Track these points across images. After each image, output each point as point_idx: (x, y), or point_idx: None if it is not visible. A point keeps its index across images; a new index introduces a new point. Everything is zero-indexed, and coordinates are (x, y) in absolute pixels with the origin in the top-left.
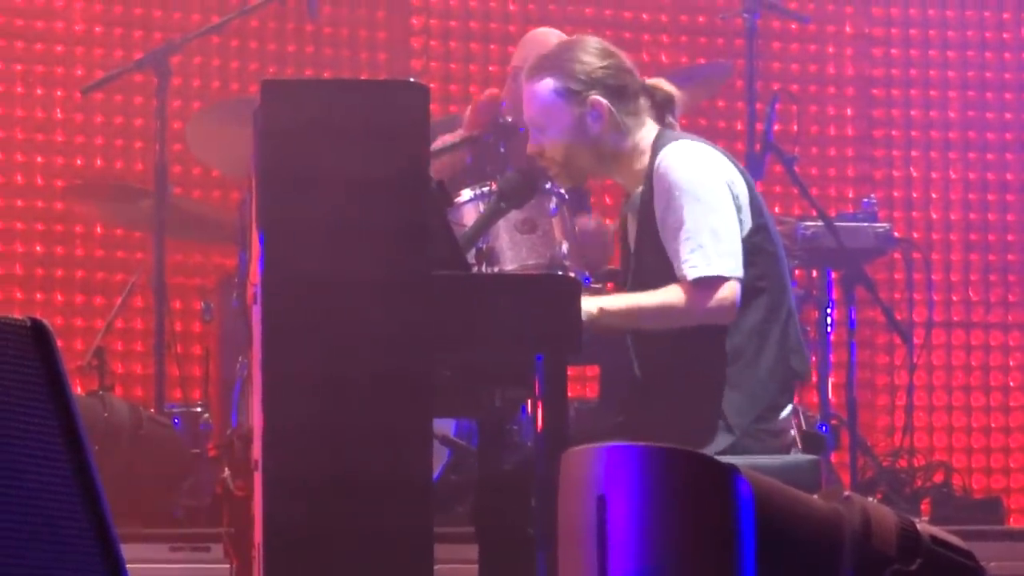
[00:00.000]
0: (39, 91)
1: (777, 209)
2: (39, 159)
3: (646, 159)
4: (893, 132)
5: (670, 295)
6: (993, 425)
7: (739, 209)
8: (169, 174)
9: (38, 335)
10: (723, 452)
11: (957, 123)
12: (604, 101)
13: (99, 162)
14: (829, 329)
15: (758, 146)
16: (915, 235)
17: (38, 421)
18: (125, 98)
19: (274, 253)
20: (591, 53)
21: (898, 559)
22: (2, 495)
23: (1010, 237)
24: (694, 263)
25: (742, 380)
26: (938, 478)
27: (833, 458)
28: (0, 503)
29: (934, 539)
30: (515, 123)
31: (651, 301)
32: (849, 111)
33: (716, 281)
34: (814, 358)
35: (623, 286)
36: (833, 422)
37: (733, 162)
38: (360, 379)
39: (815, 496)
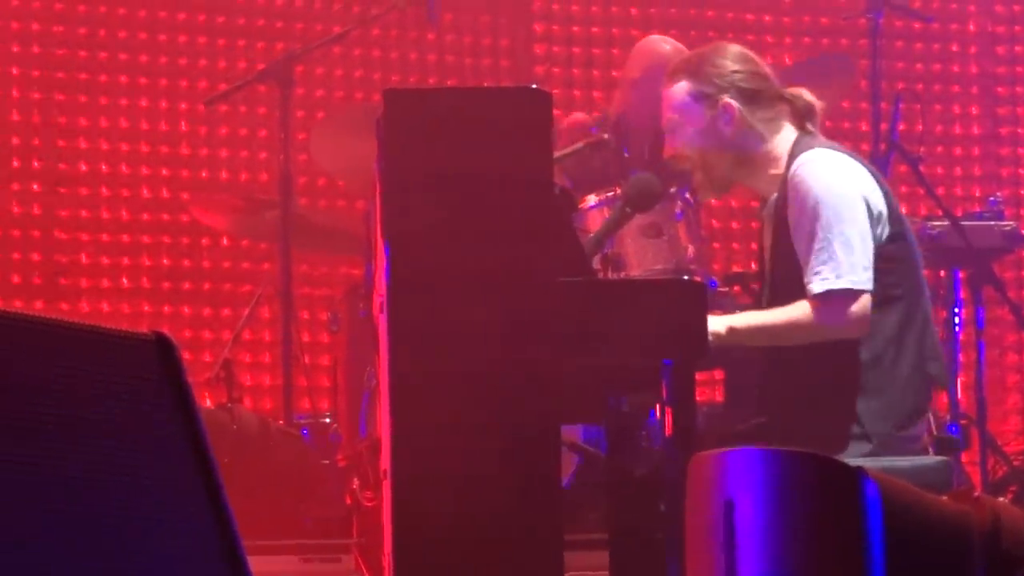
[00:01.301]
0: (163, 104)
1: (903, 209)
2: (164, 172)
3: (782, 164)
4: (1019, 130)
5: (798, 312)
6: None
7: (876, 219)
8: (294, 184)
9: (163, 349)
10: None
11: None
12: (735, 104)
13: (224, 174)
14: (957, 329)
15: (883, 146)
16: None
17: (164, 436)
18: (249, 109)
19: (400, 262)
20: (727, 57)
21: None
22: (128, 511)
23: None
24: (824, 275)
25: (880, 387)
26: None
27: (963, 458)
28: (125, 518)
29: None
30: (609, 139)
31: (779, 319)
32: (974, 109)
33: (845, 294)
34: None
35: (750, 291)
36: (963, 422)
37: (871, 171)
38: (487, 387)
39: (944, 497)
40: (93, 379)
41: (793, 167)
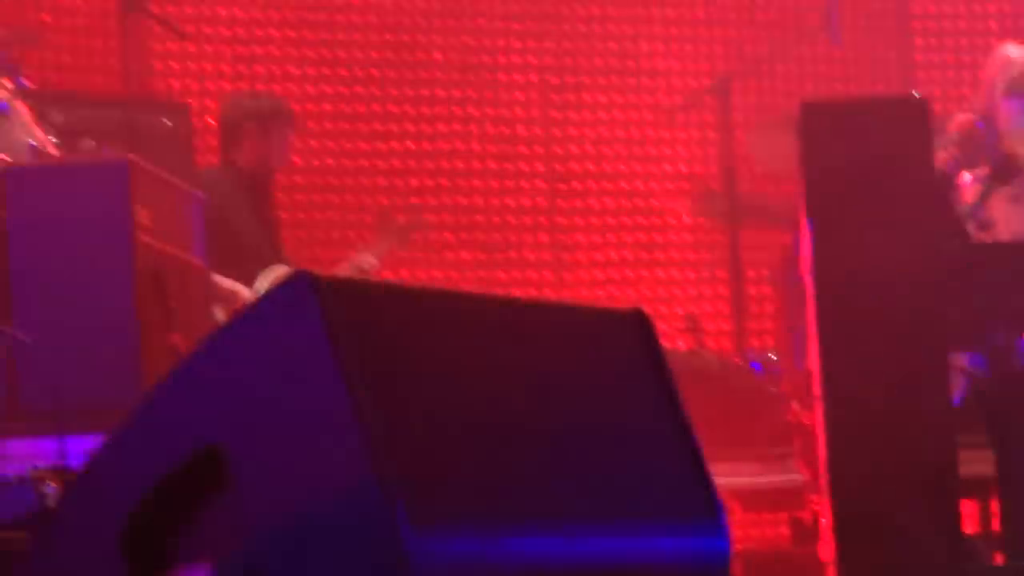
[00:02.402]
0: (633, 114)
1: None
2: (638, 168)
3: None
4: None
5: None
6: None
7: None
8: (737, 174)
9: (642, 322)
10: None
11: None
12: None
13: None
14: None
15: None
16: None
17: (641, 384)
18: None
19: (821, 235)
20: None
21: None
22: (617, 444)
23: None
24: None
25: None
26: None
27: None
28: (616, 450)
29: None
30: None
31: None
32: None
33: None
34: None
35: None
36: None
37: None
38: (894, 329)
39: None
40: (592, 346)
41: None
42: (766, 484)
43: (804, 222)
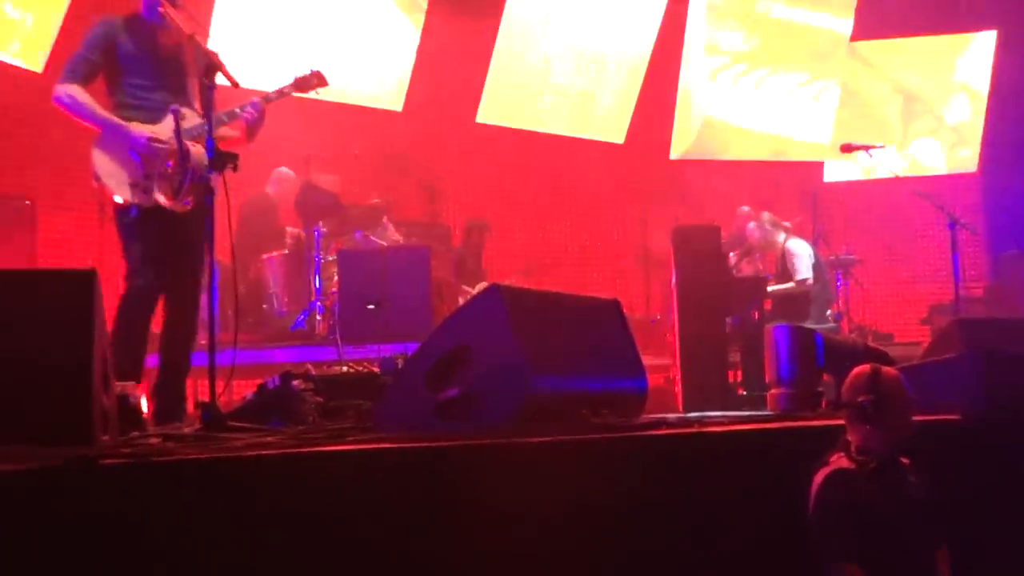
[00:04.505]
0: None
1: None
2: None
3: (778, 244)
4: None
5: (792, 287)
6: None
7: (811, 257)
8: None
9: (615, 304)
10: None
11: None
12: (767, 226)
13: None
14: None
15: (814, 235)
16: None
17: (616, 328)
18: None
19: (681, 273)
20: (766, 217)
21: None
22: (606, 347)
23: None
24: (800, 275)
25: (815, 305)
26: None
27: (844, 327)
28: (605, 348)
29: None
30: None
31: (786, 288)
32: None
33: (806, 281)
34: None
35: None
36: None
37: (809, 244)
38: (703, 306)
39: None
40: (598, 310)
41: (786, 245)
42: (655, 364)
43: (673, 267)
